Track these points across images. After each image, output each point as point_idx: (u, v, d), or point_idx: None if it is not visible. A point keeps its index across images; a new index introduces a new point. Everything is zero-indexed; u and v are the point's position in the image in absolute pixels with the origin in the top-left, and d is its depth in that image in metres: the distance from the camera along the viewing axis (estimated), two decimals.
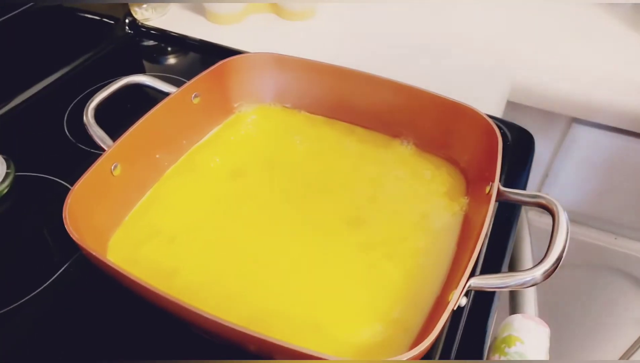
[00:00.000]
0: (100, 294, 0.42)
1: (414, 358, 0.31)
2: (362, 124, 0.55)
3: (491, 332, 0.42)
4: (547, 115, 0.70)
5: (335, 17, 0.79)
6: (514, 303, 0.51)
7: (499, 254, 0.45)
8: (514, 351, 0.45)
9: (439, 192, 0.48)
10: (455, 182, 0.49)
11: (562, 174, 0.75)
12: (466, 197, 0.47)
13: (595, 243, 0.79)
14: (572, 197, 0.77)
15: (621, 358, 0.91)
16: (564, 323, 0.91)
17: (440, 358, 0.38)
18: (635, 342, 0.89)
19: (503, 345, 0.46)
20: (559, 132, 0.72)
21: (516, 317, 0.47)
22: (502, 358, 0.45)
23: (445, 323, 0.38)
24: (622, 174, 0.72)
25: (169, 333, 0.39)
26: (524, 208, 0.53)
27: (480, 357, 0.39)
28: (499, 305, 0.50)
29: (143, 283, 0.34)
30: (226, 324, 0.31)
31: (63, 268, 0.44)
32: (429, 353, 0.37)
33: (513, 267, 0.51)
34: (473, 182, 0.48)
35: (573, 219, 0.77)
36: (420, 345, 0.31)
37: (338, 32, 0.76)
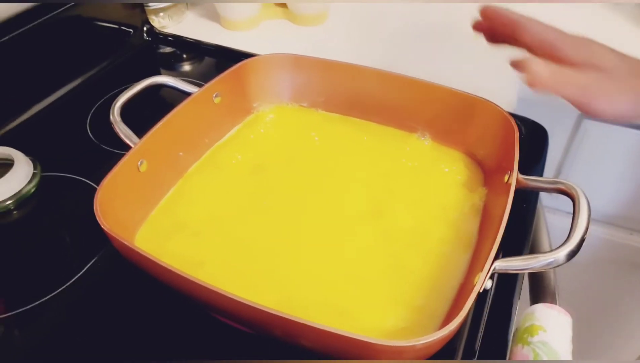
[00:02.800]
0: (127, 286, 0.43)
1: (443, 339, 0.32)
2: (377, 120, 0.56)
3: (514, 319, 0.42)
4: (558, 111, 0.70)
5: (346, 20, 0.81)
6: (535, 293, 0.51)
7: (519, 241, 0.46)
8: (537, 340, 0.45)
9: (457, 183, 0.49)
10: (472, 174, 0.50)
11: (574, 170, 0.76)
12: (485, 188, 0.48)
13: (611, 239, 0.79)
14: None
15: None
16: (587, 321, 0.91)
17: (466, 344, 0.39)
18: None
19: (526, 335, 0.46)
20: (570, 127, 0.72)
21: (537, 307, 0.48)
22: (526, 347, 0.46)
23: (471, 307, 0.39)
24: (635, 168, 0.72)
25: (196, 323, 0.40)
26: (539, 202, 0.54)
27: (505, 342, 0.40)
28: (521, 298, 0.51)
29: (172, 269, 0.34)
30: (257, 307, 0.32)
31: (91, 263, 0.45)
32: (456, 339, 0.38)
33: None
34: (490, 173, 0.49)
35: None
36: (447, 326, 0.31)
37: (350, 34, 0.78)
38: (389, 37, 0.77)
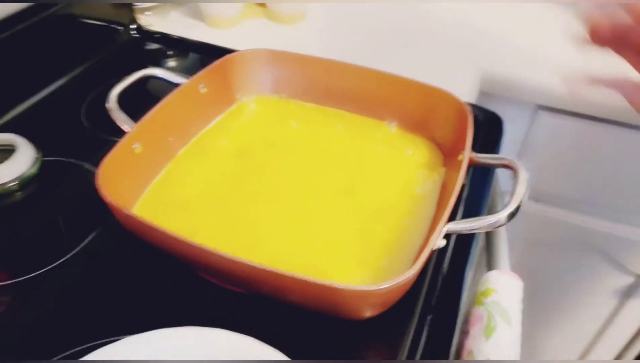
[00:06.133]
0: (125, 258, 0.48)
1: (400, 287, 0.37)
2: (350, 110, 0.62)
3: (468, 279, 0.48)
4: (516, 103, 0.77)
5: (323, 19, 0.87)
6: (490, 261, 0.58)
7: (475, 212, 0.52)
8: (490, 300, 0.51)
9: (419, 164, 0.55)
10: (433, 156, 0.56)
11: (532, 158, 0.83)
12: (443, 168, 0.54)
13: (564, 221, 0.86)
14: (543, 178, 0.84)
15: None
16: (542, 299, 0.98)
17: (425, 297, 0.45)
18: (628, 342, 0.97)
19: (481, 297, 0.52)
20: (527, 118, 0.79)
21: (492, 273, 0.54)
22: (480, 308, 0.52)
23: (429, 264, 0.45)
24: (586, 156, 0.80)
25: (189, 284, 0.45)
26: (496, 181, 0.60)
27: (458, 297, 0.46)
28: (480, 268, 0.57)
29: (169, 233, 0.40)
30: (246, 262, 0.37)
31: (90, 237, 0.50)
32: (416, 292, 0.44)
33: None
34: (449, 155, 0.55)
35: (544, 200, 0.85)
36: (403, 275, 0.37)
37: (326, 32, 0.83)
38: (364, 35, 0.83)
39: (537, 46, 0.79)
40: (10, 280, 0.46)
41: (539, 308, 1.00)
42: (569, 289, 0.96)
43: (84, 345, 0.40)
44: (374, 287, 0.36)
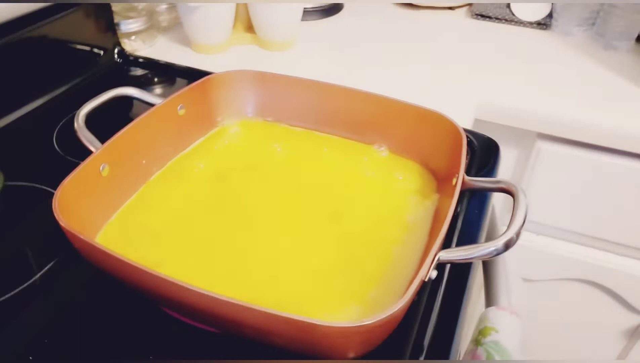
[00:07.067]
0: (86, 287, 0.44)
1: (386, 323, 0.33)
2: (338, 134, 0.58)
3: (464, 315, 0.43)
4: (514, 131, 0.74)
5: (313, 46, 0.84)
6: (489, 297, 0.53)
7: (472, 240, 0.48)
8: (489, 340, 0.47)
9: (410, 190, 0.51)
10: (425, 182, 0.52)
11: (533, 189, 0.79)
12: (437, 194, 0.50)
13: (567, 256, 0.81)
14: (544, 210, 0.80)
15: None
16: (544, 339, 0.93)
17: (417, 336, 0.40)
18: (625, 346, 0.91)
19: (480, 337, 0.48)
20: (525, 147, 0.76)
21: (490, 310, 0.50)
22: (479, 348, 0.47)
23: (420, 297, 0.40)
24: (591, 187, 0.76)
25: (153, 320, 0.41)
26: (491, 207, 0.56)
27: (452, 336, 0.41)
28: (477, 300, 0.52)
29: (130, 262, 0.35)
30: (208, 294, 0.33)
31: (50, 264, 0.45)
32: (406, 330, 0.39)
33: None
34: (443, 181, 0.51)
35: (546, 233, 0.81)
36: (389, 309, 0.33)
37: (316, 60, 0.81)
38: (357, 61, 0.80)
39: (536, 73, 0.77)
40: None
41: (539, 348, 0.94)
42: (573, 329, 0.90)
43: None
44: (356, 324, 0.32)
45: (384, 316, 0.32)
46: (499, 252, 0.36)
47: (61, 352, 0.39)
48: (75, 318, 0.42)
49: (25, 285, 0.43)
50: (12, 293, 0.43)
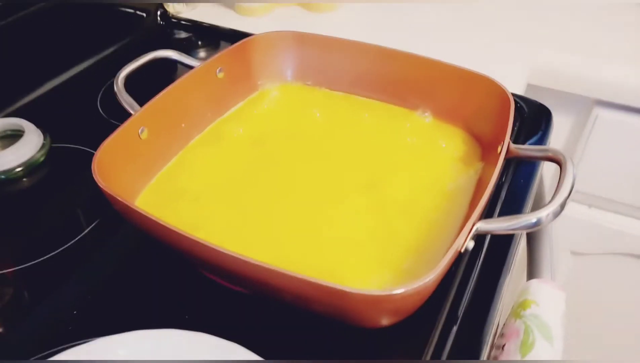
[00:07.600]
0: (126, 248, 0.45)
1: (418, 293, 0.32)
2: (380, 98, 0.56)
3: (504, 288, 0.42)
4: (569, 97, 0.70)
5: (359, 7, 0.82)
6: (532, 269, 0.51)
7: (517, 211, 0.46)
8: (529, 313, 0.45)
9: (453, 158, 0.49)
10: (469, 149, 0.50)
11: (587, 160, 0.74)
12: (481, 163, 0.48)
13: (619, 229, 0.77)
14: (599, 182, 0.76)
15: None
16: (588, 315, 0.89)
17: (451, 307, 0.39)
18: None
19: (519, 309, 0.46)
20: (581, 115, 0.71)
21: (532, 282, 0.48)
22: (518, 321, 0.46)
23: (456, 267, 0.39)
24: None
25: (192, 282, 0.41)
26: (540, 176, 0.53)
27: (491, 303, 0.40)
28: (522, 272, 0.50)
29: (169, 226, 0.35)
30: (243, 258, 0.33)
31: (93, 225, 0.47)
32: (440, 300, 0.38)
33: None
34: (488, 149, 0.49)
35: (598, 205, 0.77)
36: (421, 279, 0.31)
37: (361, 22, 0.78)
38: (405, 22, 0.77)
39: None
40: (13, 267, 0.44)
41: (583, 325, 0.90)
42: (619, 305, 0.86)
43: (69, 343, 0.36)
44: (386, 292, 0.31)
45: (415, 286, 0.31)
46: (542, 224, 0.34)
47: (102, 308, 0.40)
48: (115, 277, 0.43)
49: (69, 244, 0.45)
50: (58, 251, 0.44)
